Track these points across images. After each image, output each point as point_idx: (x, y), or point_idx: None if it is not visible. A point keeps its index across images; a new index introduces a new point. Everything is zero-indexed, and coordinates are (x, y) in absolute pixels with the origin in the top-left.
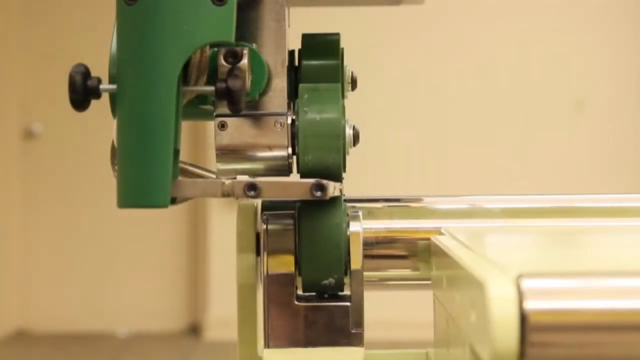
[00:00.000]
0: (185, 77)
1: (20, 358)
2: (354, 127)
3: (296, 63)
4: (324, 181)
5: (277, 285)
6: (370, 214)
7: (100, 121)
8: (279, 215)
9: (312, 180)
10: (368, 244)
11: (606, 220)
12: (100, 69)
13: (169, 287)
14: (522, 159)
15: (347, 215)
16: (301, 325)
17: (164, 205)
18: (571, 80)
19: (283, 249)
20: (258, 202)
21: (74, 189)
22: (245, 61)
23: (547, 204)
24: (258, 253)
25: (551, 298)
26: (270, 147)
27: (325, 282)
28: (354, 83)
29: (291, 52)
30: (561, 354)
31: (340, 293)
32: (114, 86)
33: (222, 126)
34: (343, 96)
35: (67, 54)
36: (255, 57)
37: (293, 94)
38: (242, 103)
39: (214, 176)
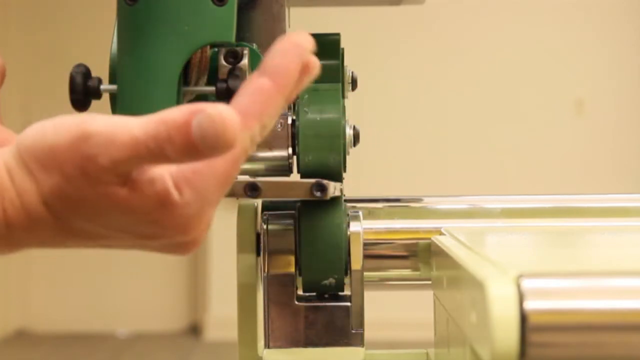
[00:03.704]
0: (185, 77)
1: (20, 358)
2: (354, 127)
3: None
4: (325, 181)
5: (277, 286)
6: (370, 214)
7: None
8: (279, 215)
9: (312, 180)
10: (368, 244)
11: (607, 220)
12: (100, 69)
13: (169, 287)
14: (522, 159)
15: (348, 215)
16: (301, 325)
17: None
18: (572, 80)
19: (283, 249)
20: (258, 202)
21: None
22: (245, 61)
23: (547, 204)
24: (258, 253)
25: (551, 298)
26: (270, 147)
27: (326, 282)
28: (354, 83)
29: None
30: (561, 354)
31: (341, 293)
32: (114, 86)
33: None
34: (343, 96)
35: (67, 54)
36: (255, 57)
37: None
38: None
39: None
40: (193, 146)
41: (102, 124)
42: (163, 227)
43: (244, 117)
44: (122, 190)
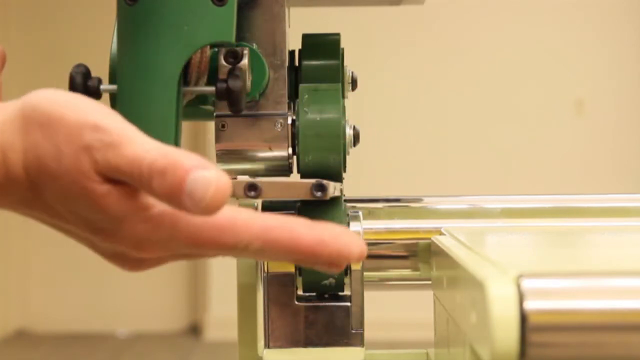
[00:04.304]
0: (185, 77)
1: (20, 358)
2: (354, 127)
3: (296, 63)
4: (325, 181)
5: (277, 286)
6: (370, 214)
7: None
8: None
9: (312, 181)
10: (368, 244)
11: (607, 220)
12: (100, 69)
13: (169, 287)
14: (522, 159)
15: (348, 215)
16: (301, 325)
17: None
18: (572, 80)
19: None
20: (258, 202)
21: None
22: (245, 61)
23: (547, 204)
24: None
25: (551, 298)
26: (270, 148)
27: (326, 282)
28: (354, 83)
29: (291, 52)
30: (561, 354)
31: (341, 293)
32: (114, 86)
33: (223, 126)
34: (343, 96)
35: (67, 54)
36: (255, 57)
37: (293, 94)
38: (243, 103)
39: None
40: (178, 193)
41: (117, 126)
42: (123, 234)
43: (261, 229)
44: (101, 187)
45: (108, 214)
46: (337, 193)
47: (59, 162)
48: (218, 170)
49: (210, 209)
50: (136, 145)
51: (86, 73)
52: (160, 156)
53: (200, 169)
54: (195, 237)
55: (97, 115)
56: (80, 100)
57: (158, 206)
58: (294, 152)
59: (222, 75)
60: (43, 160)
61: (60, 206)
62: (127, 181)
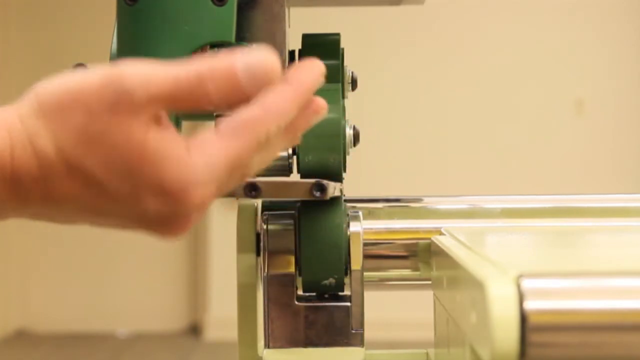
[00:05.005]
0: None
1: (20, 358)
2: (354, 127)
3: (296, 63)
4: (324, 181)
5: (277, 286)
6: (370, 214)
7: None
8: (279, 215)
9: (312, 181)
10: (368, 244)
11: (607, 220)
12: None
13: (169, 287)
14: (522, 159)
15: (348, 215)
16: (301, 325)
17: None
18: (572, 80)
19: (283, 249)
20: (258, 202)
21: None
22: None
23: (547, 204)
24: (258, 253)
25: (551, 298)
26: None
27: (326, 282)
28: (354, 83)
29: (291, 52)
30: (561, 354)
31: (341, 293)
32: None
33: None
34: (343, 96)
35: (67, 54)
36: None
37: None
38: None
39: None
40: (239, 84)
41: (137, 66)
42: (166, 186)
43: (265, 113)
44: (140, 131)
45: (147, 164)
46: (337, 193)
47: (97, 125)
48: (257, 48)
49: (276, 76)
50: (167, 70)
51: None
52: (199, 65)
53: (245, 53)
54: (228, 159)
55: (113, 69)
56: (88, 72)
57: (184, 150)
58: (294, 152)
59: None
60: (78, 133)
61: (104, 172)
62: (180, 107)
